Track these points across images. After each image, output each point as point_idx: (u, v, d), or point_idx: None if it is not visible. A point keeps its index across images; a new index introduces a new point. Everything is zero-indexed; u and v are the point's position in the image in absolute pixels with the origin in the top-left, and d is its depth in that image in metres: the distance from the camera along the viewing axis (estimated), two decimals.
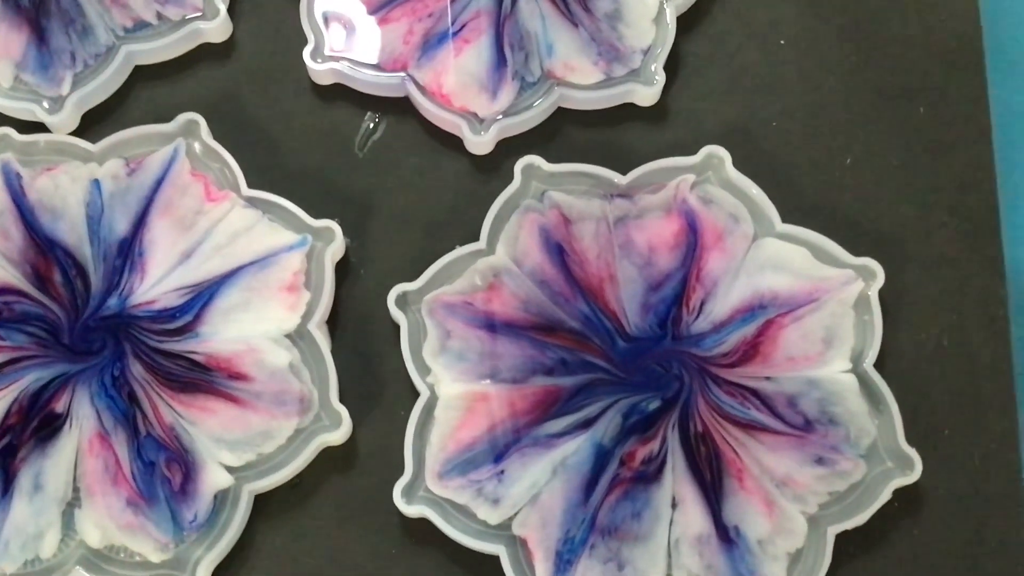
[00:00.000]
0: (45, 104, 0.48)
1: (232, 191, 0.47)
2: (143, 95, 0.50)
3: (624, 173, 0.47)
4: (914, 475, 0.42)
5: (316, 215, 0.46)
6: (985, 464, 0.44)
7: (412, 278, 0.46)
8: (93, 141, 0.48)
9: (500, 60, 0.49)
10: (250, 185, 0.47)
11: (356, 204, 0.48)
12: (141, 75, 0.51)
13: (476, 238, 0.46)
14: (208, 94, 0.50)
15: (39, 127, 0.49)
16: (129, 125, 0.49)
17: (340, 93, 0.50)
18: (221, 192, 0.47)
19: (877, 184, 0.48)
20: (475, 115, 0.49)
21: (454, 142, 0.49)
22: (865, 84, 0.50)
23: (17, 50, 0.49)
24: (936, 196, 0.48)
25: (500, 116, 0.48)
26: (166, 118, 0.49)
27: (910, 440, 0.43)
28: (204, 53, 0.51)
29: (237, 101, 0.50)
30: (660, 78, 0.49)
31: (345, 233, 0.47)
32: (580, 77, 0.49)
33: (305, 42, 0.50)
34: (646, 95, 0.49)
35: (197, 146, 0.48)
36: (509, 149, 0.49)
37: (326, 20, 0.50)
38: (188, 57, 0.51)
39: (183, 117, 0.48)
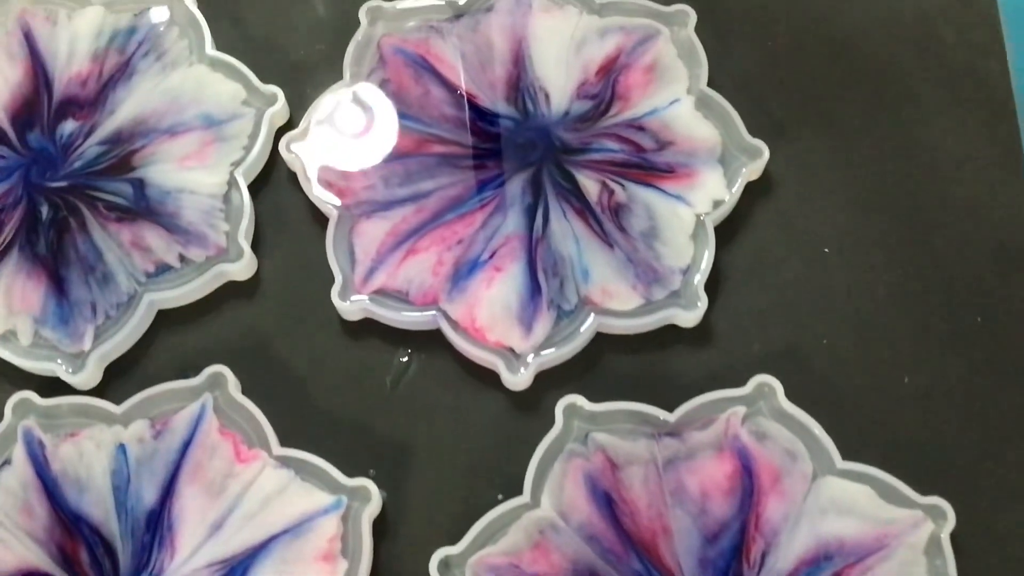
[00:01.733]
0: (68, 368, 0.47)
1: (262, 449, 0.45)
2: (167, 342, 0.49)
3: (669, 402, 0.45)
4: None
5: (350, 467, 0.44)
6: None
7: (453, 533, 0.43)
8: (117, 398, 0.46)
9: (534, 289, 0.47)
10: (280, 435, 0.45)
11: (391, 452, 0.46)
12: (164, 320, 0.49)
13: (518, 483, 0.44)
14: (234, 337, 0.49)
15: (58, 380, 0.47)
16: (153, 375, 0.48)
17: (370, 329, 0.48)
18: (251, 452, 0.45)
19: (938, 406, 0.46)
20: (511, 350, 0.47)
21: (491, 377, 0.47)
22: (917, 293, 0.48)
23: (36, 303, 0.48)
24: (1003, 418, 0.45)
25: (537, 351, 0.46)
26: (191, 365, 0.47)
27: None
28: (228, 292, 0.50)
29: (264, 343, 0.49)
30: (703, 302, 0.47)
31: (381, 485, 0.44)
32: (619, 303, 0.47)
33: (332, 278, 0.48)
34: (688, 318, 0.47)
35: (224, 399, 0.46)
36: (548, 382, 0.47)
37: (352, 255, 0.49)
38: (212, 297, 0.49)
39: (209, 371, 0.46)
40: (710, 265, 0.47)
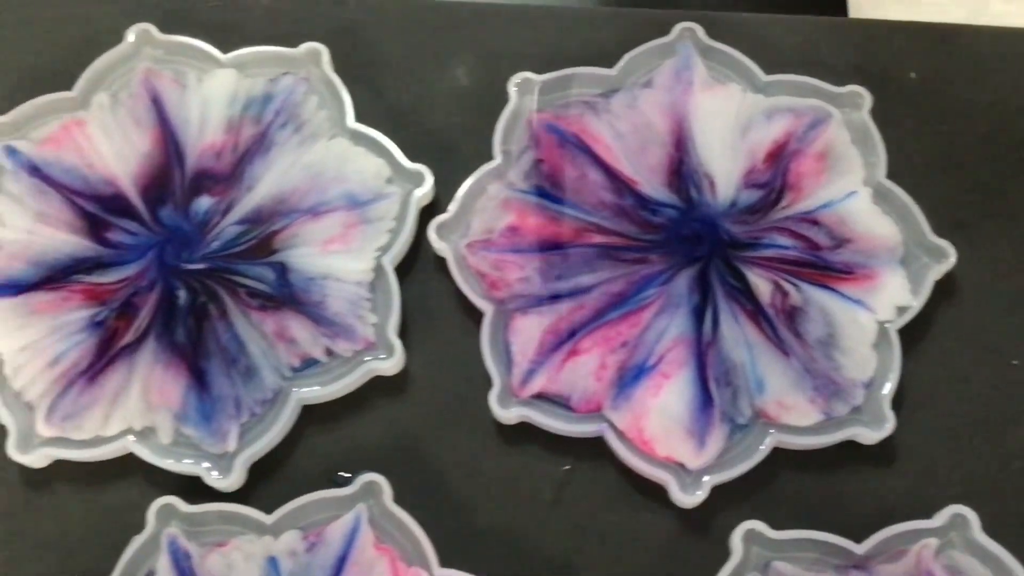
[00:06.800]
0: (215, 472, 0.44)
1: (423, 569, 0.42)
2: (311, 441, 0.46)
3: (852, 527, 0.43)
4: None
5: None
6: None
7: None
8: (260, 501, 0.44)
9: (705, 399, 0.44)
10: (436, 544, 0.42)
11: (550, 571, 0.44)
12: (308, 416, 0.46)
13: None
14: (382, 438, 0.46)
15: (197, 481, 0.45)
16: (297, 477, 0.45)
17: (527, 433, 0.46)
18: (410, 571, 0.42)
19: None
20: (682, 466, 0.44)
21: (657, 492, 0.44)
22: None
23: (176, 398, 0.45)
24: None
25: (711, 470, 0.44)
26: (338, 467, 0.45)
27: None
28: (374, 387, 0.47)
29: (414, 445, 0.46)
30: (890, 422, 0.44)
31: None
32: (796, 418, 0.44)
33: (485, 376, 0.45)
34: (872, 436, 0.44)
35: (378, 509, 0.43)
36: (720, 499, 0.44)
37: (508, 354, 0.46)
38: (358, 393, 0.47)
39: (362, 479, 0.44)
40: (896, 379, 0.44)
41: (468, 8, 0.55)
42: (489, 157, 0.50)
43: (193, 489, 0.44)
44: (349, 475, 0.45)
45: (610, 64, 0.52)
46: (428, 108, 0.52)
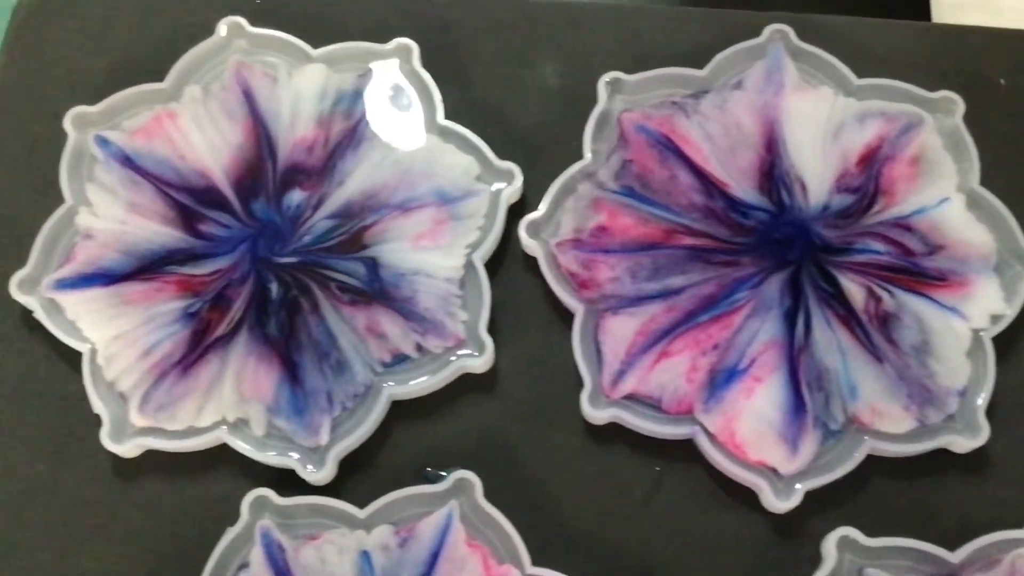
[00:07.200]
0: (308, 465, 0.44)
1: (513, 566, 0.42)
2: (400, 436, 0.46)
3: (944, 535, 0.42)
4: None
5: None
6: None
7: None
8: (350, 495, 0.44)
9: (798, 404, 0.44)
10: (528, 544, 0.43)
11: (640, 573, 0.44)
12: (397, 412, 0.47)
13: None
14: (471, 434, 0.46)
15: (289, 473, 0.45)
16: (387, 472, 0.46)
17: (617, 434, 0.46)
18: (501, 568, 0.42)
19: None
20: (774, 470, 0.44)
21: (747, 495, 0.44)
22: None
23: (269, 391, 0.46)
24: None
25: (804, 475, 0.43)
26: (427, 463, 0.45)
27: None
28: (463, 384, 0.47)
29: (504, 443, 0.46)
30: (985, 431, 0.43)
31: None
32: (890, 424, 0.44)
33: (574, 375, 0.45)
34: (966, 445, 0.44)
35: (469, 506, 0.43)
36: (812, 503, 0.44)
37: (599, 354, 0.46)
38: (447, 389, 0.47)
39: (455, 475, 0.44)
40: (991, 388, 0.44)
41: (557, 6, 0.55)
42: (576, 156, 0.50)
43: (282, 481, 0.45)
44: (438, 471, 0.45)
45: (698, 64, 0.51)
46: (516, 106, 0.52)
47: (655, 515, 0.45)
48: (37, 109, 0.52)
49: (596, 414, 0.45)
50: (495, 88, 0.53)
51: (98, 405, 0.46)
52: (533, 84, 0.53)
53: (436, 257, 0.48)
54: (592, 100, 0.51)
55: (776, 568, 0.43)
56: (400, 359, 0.46)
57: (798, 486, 0.43)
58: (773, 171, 0.49)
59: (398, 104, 0.51)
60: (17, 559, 0.44)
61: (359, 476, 0.46)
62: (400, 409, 0.47)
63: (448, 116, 0.51)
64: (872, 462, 0.44)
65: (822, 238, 0.47)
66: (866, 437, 0.44)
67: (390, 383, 0.46)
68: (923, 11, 0.66)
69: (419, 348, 0.46)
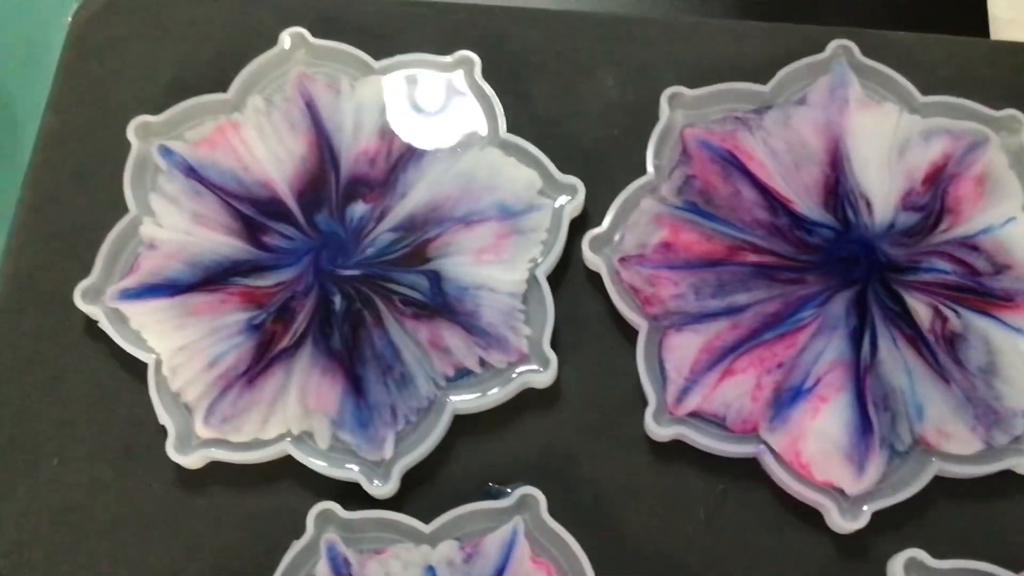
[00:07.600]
0: (373, 479, 0.44)
1: None
2: (463, 451, 0.46)
3: (1009, 557, 0.42)
4: None
5: None
6: None
7: None
8: (413, 509, 0.44)
9: (864, 424, 0.44)
10: (591, 557, 0.43)
11: None
12: (459, 426, 0.47)
13: None
14: (534, 450, 0.46)
15: (352, 486, 0.45)
16: (450, 487, 0.45)
17: (681, 451, 0.46)
18: None
19: None
20: (840, 491, 0.44)
21: (812, 516, 0.44)
22: None
23: (333, 404, 0.46)
24: None
25: (872, 496, 0.43)
26: (490, 478, 0.45)
27: None
28: (526, 399, 0.47)
29: (566, 459, 0.46)
30: None
31: None
32: (957, 446, 0.44)
33: (638, 390, 0.45)
34: None
35: (534, 522, 0.43)
36: (877, 524, 0.44)
37: (662, 371, 0.46)
38: (509, 404, 0.47)
39: (520, 492, 0.44)
40: None
41: (619, 20, 0.55)
42: (637, 171, 0.50)
43: (343, 495, 0.45)
44: (501, 487, 0.45)
45: (761, 79, 0.51)
46: (577, 120, 0.52)
47: (719, 534, 0.45)
48: (100, 118, 0.53)
49: (660, 431, 0.45)
50: (556, 102, 0.53)
51: (164, 416, 0.46)
52: (594, 98, 0.53)
53: (499, 271, 0.48)
54: (653, 114, 0.51)
55: None
56: (463, 373, 0.47)
57: (865, 507, 0.43)
58: (838, 188, 0.48)
59: (460, 116, 0.51)
60: (81, 570, 0.45)
61: (421, 490, 0.46)
62: (463, 423, 0.47)
63: (509, 129, 0.51)
64: (938, 483, 0.44)
65: (888, 256, 0.47)
66: (933, 458, 0.44)
67: (453, 397, 0.46)
68: (980, 27, 0.65)
69: (482, 363, 0.47)
